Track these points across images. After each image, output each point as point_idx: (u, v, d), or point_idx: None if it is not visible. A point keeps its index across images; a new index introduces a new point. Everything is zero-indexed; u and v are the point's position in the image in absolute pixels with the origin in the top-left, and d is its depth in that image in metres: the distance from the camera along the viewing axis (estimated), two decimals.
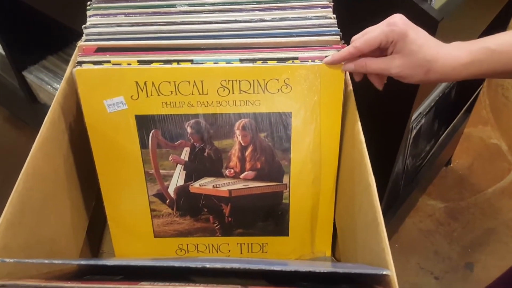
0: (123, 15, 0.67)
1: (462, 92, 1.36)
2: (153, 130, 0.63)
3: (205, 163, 0.66)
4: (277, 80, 0.60)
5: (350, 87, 0.64)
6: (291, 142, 0.65)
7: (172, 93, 0.61)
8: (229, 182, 0.68)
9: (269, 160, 0.66)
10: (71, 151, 0.66)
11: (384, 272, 0.43)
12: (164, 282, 0.44)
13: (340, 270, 0.43)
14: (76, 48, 0.67)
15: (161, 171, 0.66)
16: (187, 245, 0.72)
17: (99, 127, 0.62)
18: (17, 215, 0.52)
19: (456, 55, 0.54)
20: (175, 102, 0.61)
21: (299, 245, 0.72)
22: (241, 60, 0.61)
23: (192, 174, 0.67)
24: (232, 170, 0.67)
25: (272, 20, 0.66)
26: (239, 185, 0.68)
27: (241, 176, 0.67)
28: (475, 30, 0.96)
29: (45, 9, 1.16)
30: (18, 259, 0.45)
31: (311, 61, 0.61)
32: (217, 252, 0.73)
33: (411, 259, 1.43)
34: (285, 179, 0.67)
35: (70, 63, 0.66)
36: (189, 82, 0.60)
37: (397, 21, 0.56)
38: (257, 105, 0.62)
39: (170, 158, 0.65)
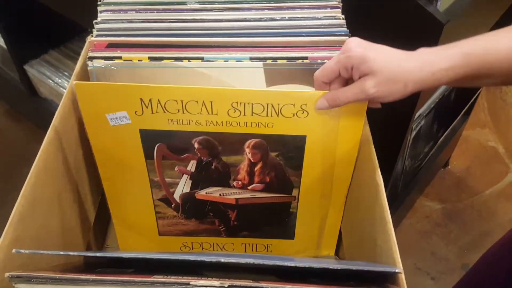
0: (134, 12, 0.67)
1: (462, 95, 1.37)
2: (158, 144, 0.61)
3: (212, 174, 0.65)
4: (293, 105, 0.57)
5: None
6: (303, 161, 0.63)
7: (179, 111, 0.58)
8: (236, 192, 0.67)
9: (279, 176, 0.65)
10: (80, 146, 0.66)
11: (397, 270, 0.44)
12: (177, 275, 0.44)
13: (353, 268, 0.44)
14: (86, 43, 0.68)
15: (166, 179, 0.65)
16: (192, 243, 0.73)
17: (101, 138, 0.61)
18: (29, 208, 0.53)
19: (432, 60, 0.51)
20: (182, 120, 0.58)
21: (304, 247, 0.73)
22: (251, 59, 0.62)
23: (199, 183, 0.66)
24: (240, 182, 0.66)
25: (282, 19, 0.66)
26: (247, 195, 0.67)
27: (249, 187, 0.66)
28: (480, 32, 0.97)
29: (49, 3, 1.16)
30: (33, 251, 0.45)
31: (321, 61, 0.62)
32: (222, 250, 0.74)
33: (407, 260, 1.44)
34: (294, 192, 0.66)
35: (80, 58, 0.67)
36: (197, 102, 0.57)
37: (352, 47, 0.52)
38: (270, 127, 0.59)
39: (176, 168, 0.64)
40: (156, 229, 0.70)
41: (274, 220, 0.70)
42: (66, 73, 1.46)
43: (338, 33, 0.64)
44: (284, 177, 0.65)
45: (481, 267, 0.84)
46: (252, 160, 0.63)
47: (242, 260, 0.44)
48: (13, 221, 0.50)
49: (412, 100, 0.88)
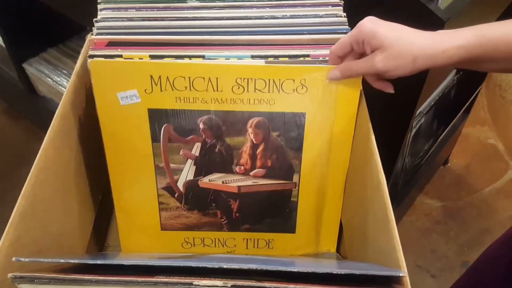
0: (134, 10, 0.67)
1: (461, 92, 1.37)
2: (165, 125, 0.63)
3: (216, 158, 0.66)
4: (293, 80, 0.60)
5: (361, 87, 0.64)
6: (303, 142, 0.65)
7: (186, 88, 0.60)
8: (238, 179, 0.68)
9: (280, 158, 0.66)
10: (81, 145, 0.66)
11: (401, 274, 0.44)
12: (180, 275, 0.44)
13: (357, 272, 0.44)
14: (86, 41, 0.67)
15: (171, 165, 0.66)
16: (194, 238, 0.73)
17: (111, 119, 0.62)
18: (29, 208, 0.52)
19: (445, 38, 0.52)
20: (188, 98, 0.61)
21: (305, 242, 0.73)
22: (253, 57, 0.62)
23: (202, 169, 0.67)
24: (242, 167, 0.67)
25: (283, 17, 0.66)
26: (249, 182, 0.68)
27: (251, 173, 0.67)
28: None
29: (48, 1, 1.15)
30: (33, 258, 0.45)
31: (322, 58, 0.62)
32: (223, 246, 0.73)
33: (408, 257, 1.42)
34: (295, 178, 0.68)
35: (80, 56, 0.66)
36: (203, 78, 0.60)
37: (365, 22, 0.55)
38: (272, 104, 0.62)
39: (181, 152, 0.65)
40: (159, 222, 0.71)
41: (276, 211, 0.71)
42: (64, 72, 1.45)
43: (339, 31, 0.64)
44: (285, 159, 0.66)
45: (481, 265, 0.84)
46: (255, 141, 0.65)
47: (245, 266, 0.44)
48: (13, 221, 0.50)
49: (413, 97, 0.88)
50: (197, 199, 0.69)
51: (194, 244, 0.73)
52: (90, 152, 0.67)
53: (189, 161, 0.66)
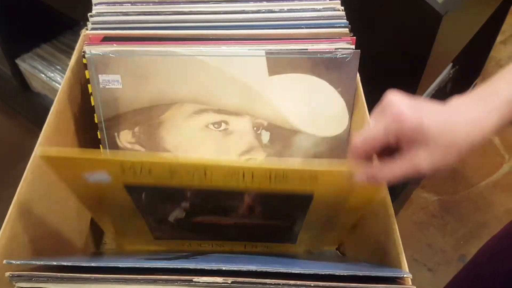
0: (129, 4, 0.66)
1: (458, 87, 1.37)
2: (145, 193, 0.53)
3: (208, 212, 0.58)
4: (301, 176, 0.49)
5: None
6: (309, 208, 0.55)
7: (166, 175, 0.48)
8: (234, 218, 0.60)
9: (281, 216, 0.59)
10: (77, 140, 0.65)
11: (405, 275, 0.43)
12: (179, 273, 0.44)
13: (360, 273, 0.43)
14: (81, 36, 0.67)
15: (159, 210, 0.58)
16: (190, 243, 0.71)
17: (82, 189, 0.53)
18: (26, 205, 0.52)
19: (479, 117, 0.44)
20: (170, 181, 0.49)
21: (305, 248, 0.72)
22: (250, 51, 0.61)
23: (194, 213, 0.59)
24: (238, 217, 0.59)
25: (280, 11, 0.65)
26: (245, 220, 0.60)
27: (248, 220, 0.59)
28: (477, 23, 0.97)
29: None
30: (25, 261, 0.44)
31: (320, 55, 0.61)
32: (220, 247, 0.72)
33: (405, 251, 1.43)
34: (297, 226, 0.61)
35: (75, 51, 0.66)
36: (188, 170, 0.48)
37: (404, 111, 0.44)
38: (273, 187, 0.50)
39: (169, 206, 0.57)
40: (151, 235, 0.66)
41: (275, 233, 0.66)
42: (58, 67, 1.44)
43: (337, 25, 0.63)
44: (287, 216, 0.59)
45: (480, 260, 0.84)
46: (251, 204, 0.56)
47: (244, 268, 0.43)
48: (10, 219, 0.49)
49: (410, 91, 0.87)
50: (190, 228, 0.63)
51: (190, 245, 0.72)
52: (86, 148, 0.67)
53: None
